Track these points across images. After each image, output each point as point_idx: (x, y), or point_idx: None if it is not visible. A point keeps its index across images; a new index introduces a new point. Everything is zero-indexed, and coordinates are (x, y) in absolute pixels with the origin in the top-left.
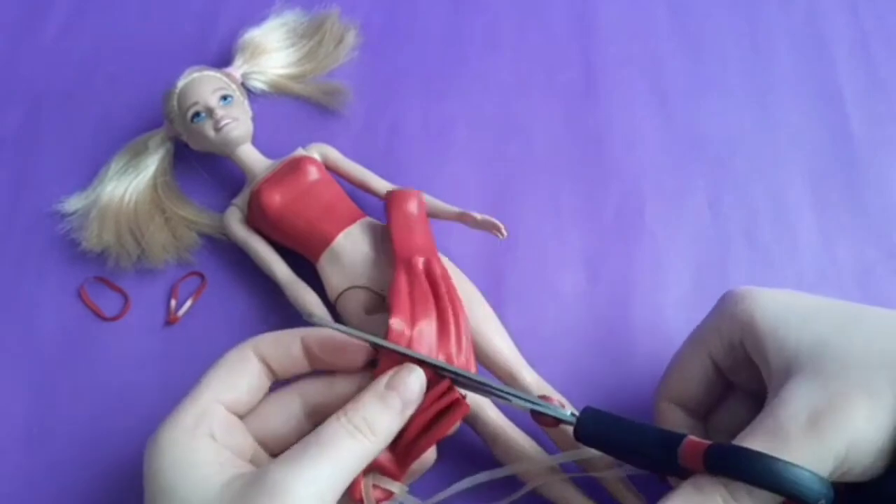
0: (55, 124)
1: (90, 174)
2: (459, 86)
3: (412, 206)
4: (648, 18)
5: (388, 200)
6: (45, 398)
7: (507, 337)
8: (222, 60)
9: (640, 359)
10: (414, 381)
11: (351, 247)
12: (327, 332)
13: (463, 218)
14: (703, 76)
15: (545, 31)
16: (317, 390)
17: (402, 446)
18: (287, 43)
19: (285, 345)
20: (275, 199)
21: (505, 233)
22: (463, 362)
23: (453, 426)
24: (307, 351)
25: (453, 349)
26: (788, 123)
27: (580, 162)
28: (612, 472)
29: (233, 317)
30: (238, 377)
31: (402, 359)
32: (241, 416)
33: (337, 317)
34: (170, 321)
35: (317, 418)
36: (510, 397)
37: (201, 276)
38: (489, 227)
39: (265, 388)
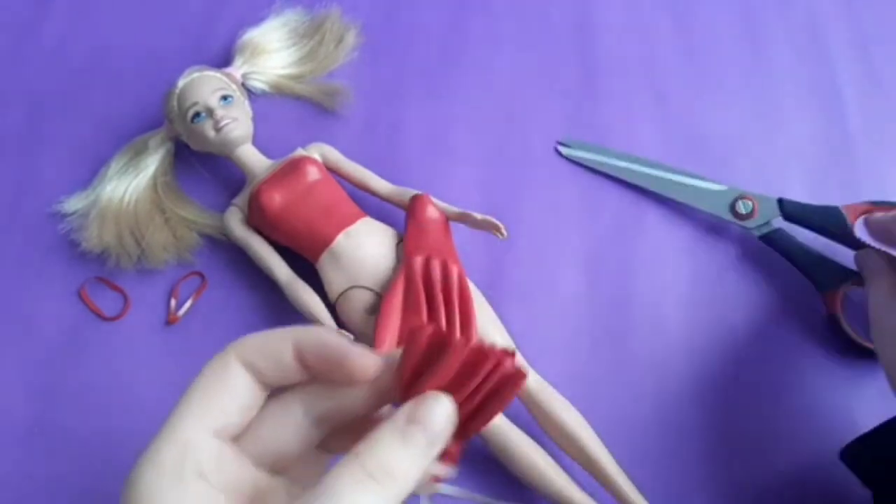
0: (55, 124)
1: (90, 174)
2: (459, 86)
3: (431, 211)
4: (648, 19)
5: (410, 204)
6: (45, 398)
7: (508, 339)
8: (222, 60)
9: (640, 359)
10: (441, 413)
11: (351, 247)
12: (323, 335)
13: (463, 218)
14: (702, 76)
15: (545, 31)
16: (320, 393)
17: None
18: (287, 43)
19: (274, 351)
20: (275, 199)
21: (505, 233)
22: None
23: (509, 400)
24: (301, 359)
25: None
26: (788, 123)
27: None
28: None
29: (233, 317)
30: (223, 395)
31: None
32: (236, 440)
33: (337, 317)
34: (170, 321)
35: (325, 426)
36: None
37: (201, 276)
38: (489, 228)
39: (259, 401)
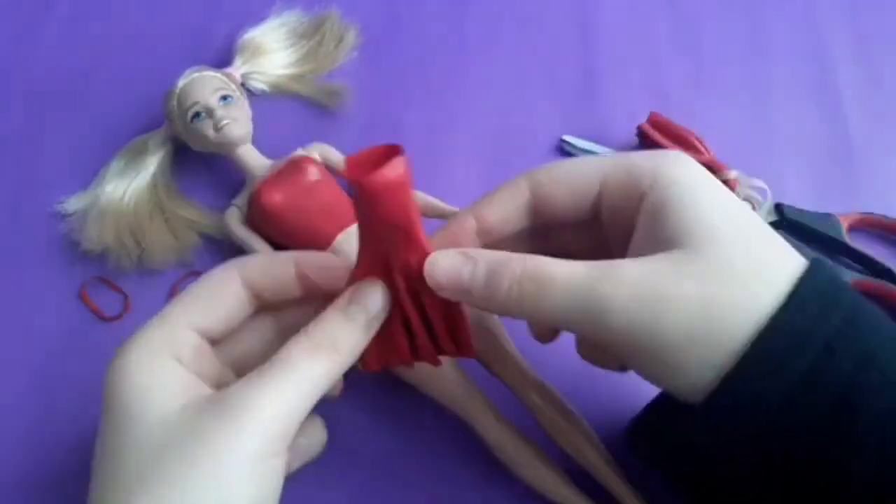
0: (55, 124)
1: (90, 174)
2: (459, 86)
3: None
4: (648, 19)
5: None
6: (45, 398)
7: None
8: (222, 60)
9: None
10: (377, 294)
11: (351, 247)
12: (325, 258)
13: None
14: (703, 76)
15: (545, 31)
16: (290, 310)
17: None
18: (287, 43)
19: (278, 270)
20: (275, 199)
21: None
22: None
23: None
24: (301, 277)
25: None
26: (788, 123)
27: None
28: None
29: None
30: (217, 302)
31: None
32: (214, 344)
33: None
34: None
35: (261, 300)
36: None
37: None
38: None
39: (245, 316)
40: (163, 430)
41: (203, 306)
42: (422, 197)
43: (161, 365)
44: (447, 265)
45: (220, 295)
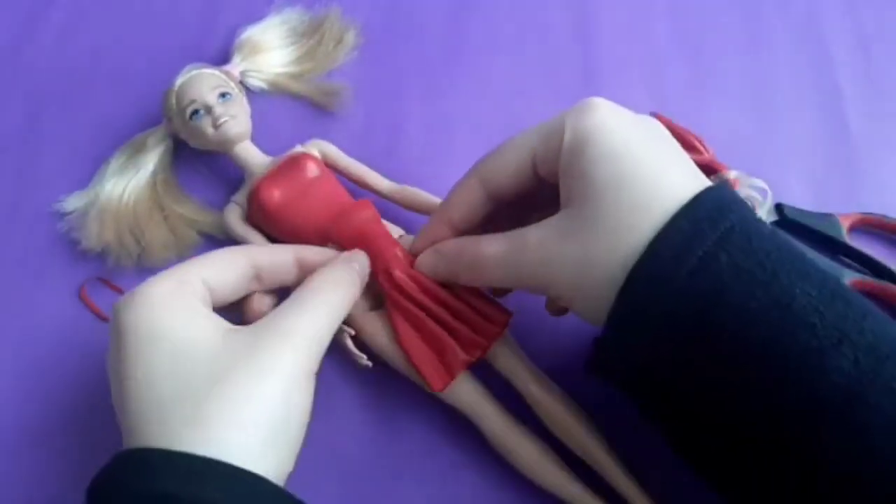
0: (54, 122)
1: (89, 172)
2: (459, 86)
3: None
4: (648, 19)
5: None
6: (44, 398)
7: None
8: (221, 58)
9: None
10: (363, 259)
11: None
12: (320, 249)
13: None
14: (703, 76)
15: (545, 31)
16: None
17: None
18: (286, 41)
19: (279, 254)
20: (274, 195)
21: None
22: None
23: None
24: (300, 264)
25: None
26: (788, 123)
27: None
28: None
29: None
30: (229, 268)
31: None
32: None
33: None
34: None
35: (260, 283)
36: None
37: None
38: None
39: (245, 291)
40: (218, 354)
41: (216, 269)
42: (421, 195)
43: (190, 301)
44: (425, 263)
45: (232, 264)
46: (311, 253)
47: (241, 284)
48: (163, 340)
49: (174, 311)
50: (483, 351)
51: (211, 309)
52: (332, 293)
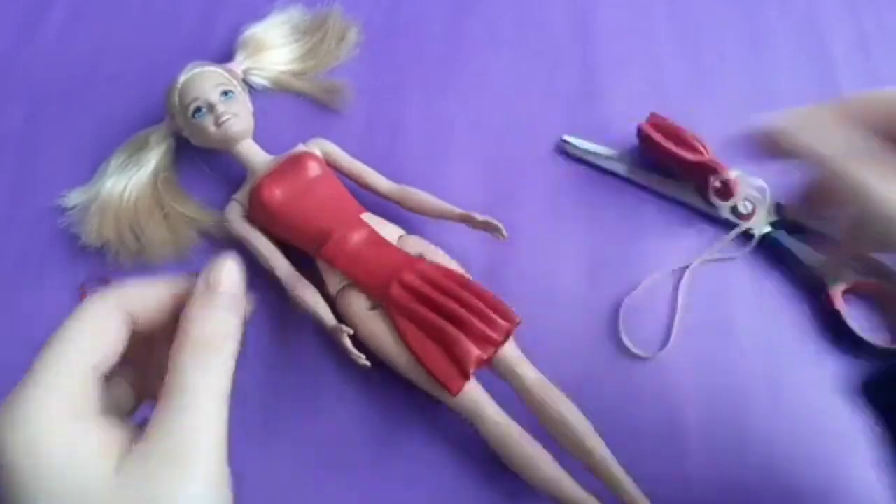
0: (56, 119)
1: (91, 170)
2: (459, 86)
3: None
4: (648, 19)
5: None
6: None
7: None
8: (224, 56)
9: (639, 358)
10: (227, 270)
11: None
12: (193, 282)
13: (464, 219)
14: (702, 76)
15: (545, 31)
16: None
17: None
18: (289, 40)
19: (155, 300)
20: (275, 194)
21: (505, 234)
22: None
23: None
24: (177, 301)
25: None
26: None
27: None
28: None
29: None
30: (106, 335)
31: None
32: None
33: (336, 311)
34: None
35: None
36: None
37: None
38: (489, 228)
39: (125, 345)
40: (107, 498)
41: (96, 342)
42: (431, 200)
43: (86, 428)
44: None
45: (108, 327)
46: (188, 287)
47: (121, 344)
48: (48, 482)
49: (52, 449)
50: (495, 347)
51: (98, 392)
52: (205, 378)
